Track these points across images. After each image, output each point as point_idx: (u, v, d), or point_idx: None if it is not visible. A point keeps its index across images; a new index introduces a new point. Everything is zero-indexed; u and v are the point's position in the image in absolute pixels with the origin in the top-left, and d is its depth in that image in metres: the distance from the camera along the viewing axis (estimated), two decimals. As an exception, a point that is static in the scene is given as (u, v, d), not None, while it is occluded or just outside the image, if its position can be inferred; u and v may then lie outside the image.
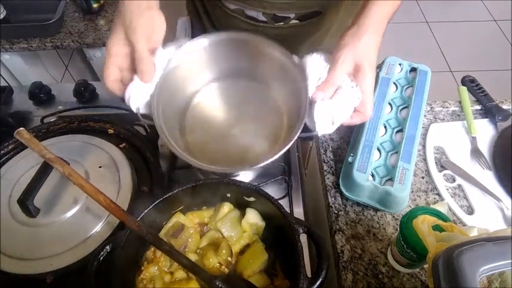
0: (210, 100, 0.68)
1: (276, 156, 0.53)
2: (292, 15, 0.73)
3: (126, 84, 0.54)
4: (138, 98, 0.55)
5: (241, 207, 0.59)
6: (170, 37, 0.59)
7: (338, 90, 0.53)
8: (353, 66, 0.52)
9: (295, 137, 0.53)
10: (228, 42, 0.62)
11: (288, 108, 0.63)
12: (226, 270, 0.54)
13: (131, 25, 0.49)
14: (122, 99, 0.55)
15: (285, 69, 0.60)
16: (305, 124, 0.55)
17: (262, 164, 0.53)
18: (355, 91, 0.53)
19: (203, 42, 0.62)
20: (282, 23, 0.75)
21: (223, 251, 0.54)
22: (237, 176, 0.73)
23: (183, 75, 0.62)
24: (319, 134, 0.55)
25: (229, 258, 0.55)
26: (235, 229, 0.57)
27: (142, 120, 0.57)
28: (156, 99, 0.56)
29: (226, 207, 0.59)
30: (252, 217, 0.57)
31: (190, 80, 0.65)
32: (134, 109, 0.56)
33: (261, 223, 0.57)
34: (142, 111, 0.57)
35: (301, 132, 0.54)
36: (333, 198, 0.67)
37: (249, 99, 0.67)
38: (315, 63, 0.55)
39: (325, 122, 0.54)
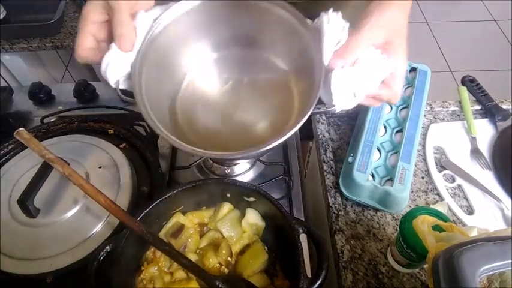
0: (206, 74, 0.56)
1: (287, 136, 0.43)
2: None
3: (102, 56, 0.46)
4: (116, 69, 0.46)
5: (241, 207, 0.59)
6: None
7: (363, 58, 0.44)
8: (382, 39, 0.45)
9: (309, 112, 0.43)
10: (225, 2, 0.50)
11: (299, 80, 0.53)
12: (226, 271, 0.54)
13: None
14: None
15: (294, 33, 0.49)
16: (319, 99, 0.45)
17: (271, 146, 0.43)
18: (384, 62, 0.45)
19: (195, 2, 0.50)
20: None
21: (223, 251, 0.54)
22: (236, 176, 0.73)
23: (171, 43, 0.51)
24: (338, 109, 0.45)
25: (229, 259, 0.55)
26: (235, 229, 0.57)
27: (122, 97, 0.48)
28: (137, 71, 0.47)
29: (226, 207, 0.59)
30: (252, 217, 0.57)
31: (181, 49, 0.54)
32: (112, 83, 0.48)
33: (261, 223, 0.57)
34: (122, 86, 0.48)
35: (315, 108, 0.44)
36: (333, 198, 0.67)
37: (252, 71, 0.56)
38: (332, 23, 0.44)
39: (345, 94, 0.44)
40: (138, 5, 0.46)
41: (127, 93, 0.48)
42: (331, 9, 0.45)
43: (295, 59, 0.52)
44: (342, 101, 0.45)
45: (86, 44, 0.45)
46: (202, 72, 0.56)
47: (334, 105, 0.45)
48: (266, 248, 0.55)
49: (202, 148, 0.45)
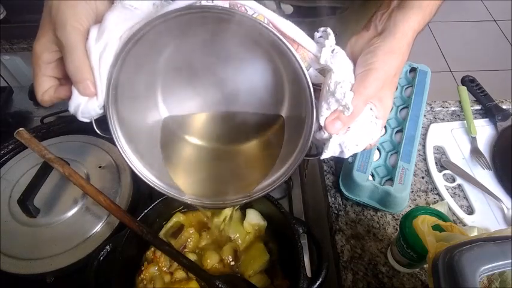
0: (187, 108, 0.48)
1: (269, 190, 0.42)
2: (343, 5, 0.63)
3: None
4: (89, 113, 0.40)
5: (241, 207, 0.59)
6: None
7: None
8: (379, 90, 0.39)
9: (290, 173, 0.41)
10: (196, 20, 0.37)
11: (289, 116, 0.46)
12: (227, 270, 0.54)
13: (59, 16, 0.36)
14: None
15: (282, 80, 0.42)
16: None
17: (253, 198, 0.42)
18: (375, 124, 0.41)
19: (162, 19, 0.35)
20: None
21: (223, 251, 0.54)
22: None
23: (140, 70, 0.42)
24: (322, 157, 0.42)
25: (229, 259, 0.55)
26: (236, 229, 0.57)
27: (101, 133, 0.41)
28: (111, 112, 0.40)
29: (229, 208, 0.59)
30: (253, 217, 0.57)
31: (156, 75, 0.44)
32: (87, 121, 0.41)
33: (263, 222, 0.57)
34: (96, 117, 0.41)
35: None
36: (333, 198, 0.67)
37: (236, 107, 0.47)
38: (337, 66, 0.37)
39: (334, 151, 0.41)
40: (98, 19, 0.38)
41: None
42: (333, 46, 0.38)
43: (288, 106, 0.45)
44: (329, 155, 0.41)
45: (45, 87, 0.39)
46: (180, 105, 0.48)
47: (318, 155, 0.42)
48: (266, 247, 0.55)
49: (191, 189, 0.44)
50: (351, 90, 0.37)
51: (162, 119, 0.48)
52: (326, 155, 0.41)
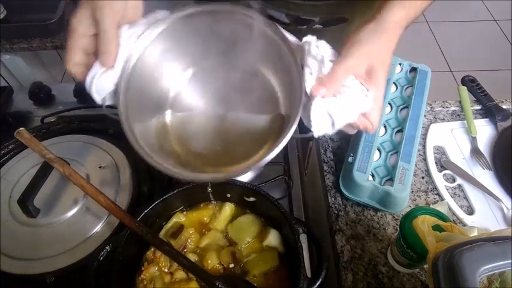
0: (191, 90, 0.54)
1: (265, 161, 0.43)
2: (316, 19, 0.70)
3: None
4: (101, 85, 0.45)
5: (242, 207, 0.59)
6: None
7: (344, 88, 0.44)
8: (366, 68, 0.45)
9: (284, 143, 0.43)
10: (205, 17, 0.48)
11: (284, 96, 0.52)
12: (228, 270, 0.54)
13: (100, 1, 0.42)
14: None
15: (277, 50, 0.47)
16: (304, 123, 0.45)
17: (247, 171, 0.46)
18: (365, 95, 0.45)
19: (178, 17, 0.48)
20: (305, 27, 0.72)
21: (224, 252, 0.54)
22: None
23: (155, 60, 0.50)
24: (315, 135, 0.45)
25: (229, 259, 0.54)
26: (237, 230, 0.57)
27: (109, 115, 0.47)
28: (123, 89, 0.46)
29: (228, 207, 0.59)
30: (273, 240, 0.56)
31: (166, 66, 0.52)
32: (99, 100, 0.47)
33: (281, 248, 0.55)
34: (108, 102, 0.48)
35: (300, 132, 0.44)
36: (333, 198, 0.67)
37: (238, 87, 0.54)
38: (314, 51, 0.44)
39: (324, 122, 0.44)
40: (126, 17, 0.45)
41: (114, 109, 0.47)
42: (314, 37, 0.45)
43: (278, 74, 0.51)
44: (320, 128, 0.45)
45: (75, 59, 0.44)
46: (186, 89, 0.54)
47: (312, 132, 0.45)
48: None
49: (190, 167, 0.46)
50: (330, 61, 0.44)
51: (166, 103, 0.54)
52: (316, 126, 0.44)
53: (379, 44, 0.44)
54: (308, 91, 0.44)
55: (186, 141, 0.53)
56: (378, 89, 0.45)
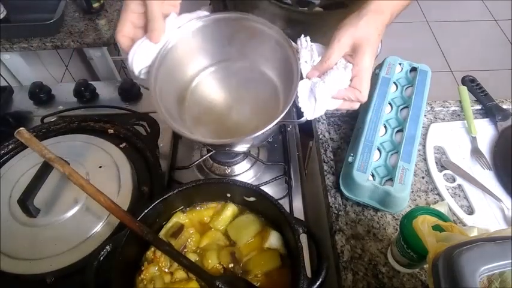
0: (210, 78, 0.67)
1: (267, 128, 0.51)
2: (317, 2, 0.74)
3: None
4: (141, 60, 0.54)
5: (242, 207, 0.59)
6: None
7: (329, 70, 0.53)
8: (351, 46, 0.52)
9: (280, 117, 0.51)
10: (229, 23, 0.61)
11: (284, 87, 0.62)
12: (228, 270, 0.54)
13: None
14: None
15: (281, 49, 0.58)
16: (301, 111, 0.54)
17: (254, 135, 0.52)
18: (347, 71, 0.52)
19: (207, 20, 0.60)
20: (306, 8, 0.76)
21: (223, 252, 0.54)
22: (237, 176, 0.73)
23: (185, 51, 0.61)
24: (307, 117, 0.54)
25: (229, 260, 0.54)
26: (237, 230, 0.57)
27: (141, 85, 0.60)
28: (155, 70, 0.56)
29: (230, 208, 0.58)
30: (274, 242, 0.55)
31: (192, 58, 0.64)
32: (136, 71, 0.55)
33: (282, 250, 0.55)
34: (142, 76, 0.57)
35: (296, 118, 0.53)
36: (333, 198, 0.67)
37: (246, 81, 0.66)
38: (304, 45, 0.55)
39: (310, 101, 0.53)
40: (165, 4, 0.54)
41: (145, 83, 0.56)
42: (302, 36, 0.56)
43: (281, 70, 0.61)
44: (307, 107, 0.53)
45: (124, 31, 0.52)
46: (207, 76, 0.66)
47: (304, 116, 0.54)
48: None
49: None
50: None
51: (188, 88, 0.65)
52: (303, 105, 0.53)
53: (360, 24, 0.51)
54: (304, 76, 0.53)
55: (198, 118, 0.63)
56: (362, 60, 0.51)
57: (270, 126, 0.51)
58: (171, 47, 0.57)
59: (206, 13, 0.60)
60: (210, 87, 0.66)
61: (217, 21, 0.60)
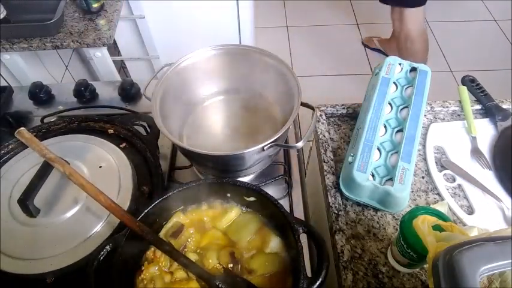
0: (214, 101, 0.78)
1: (268, 143, 0.58)
2: None
3: None
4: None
5: (242, 206, 0.59)
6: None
7: None
8: None
9: (278, 135, 0.58)
10: (233, 53, 0.73)
11: (282, 109, 0.72)
12: (228, 268, 0.54)
13: None
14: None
15: (282, 77, 0.68)
16: None
17: (253, 149, 0.57)
18: None
19: (214, 51, 0.72)
20: None
21: (223, 252, 0.54)
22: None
23: (191, 76, 0.72)
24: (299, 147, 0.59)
25: (229, 259, 0.54)
26: (236, 230, 0.57)
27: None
28: (161, 83, 0.66)
29: (234, 212, 0.58)
30: (274, 246, 0.55)
31: (197, 82, 0.75)
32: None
33: (283, 255, 0.55)
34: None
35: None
36: (333, 198, 0.67)
37: (247, 109, 0.77)
38: None
39: None
40: None
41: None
42: None
43: (283, 100, 0.70)
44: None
45: None
46: (211, 100, 0.79)
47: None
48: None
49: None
50: None
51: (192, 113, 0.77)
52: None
53: None
54: None
55: (197, 137, 0.73)
56: None
57: (254, 148, 0.57)
58: (180, 68, 0.69)
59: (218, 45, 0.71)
60: (215, 106, 0.78)
61: (228, 51, 0.72)
